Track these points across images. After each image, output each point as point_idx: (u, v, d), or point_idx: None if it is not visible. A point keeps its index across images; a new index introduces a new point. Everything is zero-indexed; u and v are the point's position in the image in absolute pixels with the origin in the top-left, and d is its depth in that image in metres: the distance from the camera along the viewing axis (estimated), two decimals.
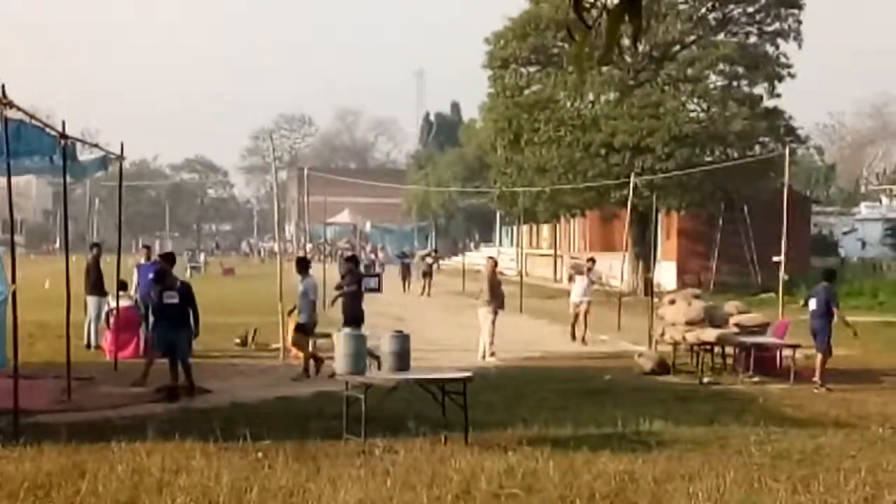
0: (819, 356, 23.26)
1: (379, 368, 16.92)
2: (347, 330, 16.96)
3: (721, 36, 54.96)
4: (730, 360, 25.53)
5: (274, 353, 26.88)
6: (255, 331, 29.31)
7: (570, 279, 34.78)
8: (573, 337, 32.11)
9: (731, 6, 54.94)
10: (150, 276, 23.44)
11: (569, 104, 54.27)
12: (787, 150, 37.35)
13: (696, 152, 51.03)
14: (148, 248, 33.89)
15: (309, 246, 67.95)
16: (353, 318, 23.94)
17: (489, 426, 16.29)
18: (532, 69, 57.01)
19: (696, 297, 26.96)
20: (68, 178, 18.98)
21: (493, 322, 27.61)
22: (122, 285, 26.37)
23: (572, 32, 3.88)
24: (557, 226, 74.50)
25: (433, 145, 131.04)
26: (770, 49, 54.62)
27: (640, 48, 54.35)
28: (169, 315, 20.37)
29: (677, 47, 54.92)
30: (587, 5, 3.82)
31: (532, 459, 13.47)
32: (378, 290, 28.54)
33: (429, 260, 61.22)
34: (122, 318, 25.13)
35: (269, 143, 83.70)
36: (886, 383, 23.56)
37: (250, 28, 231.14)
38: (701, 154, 51.71)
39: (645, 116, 50.42)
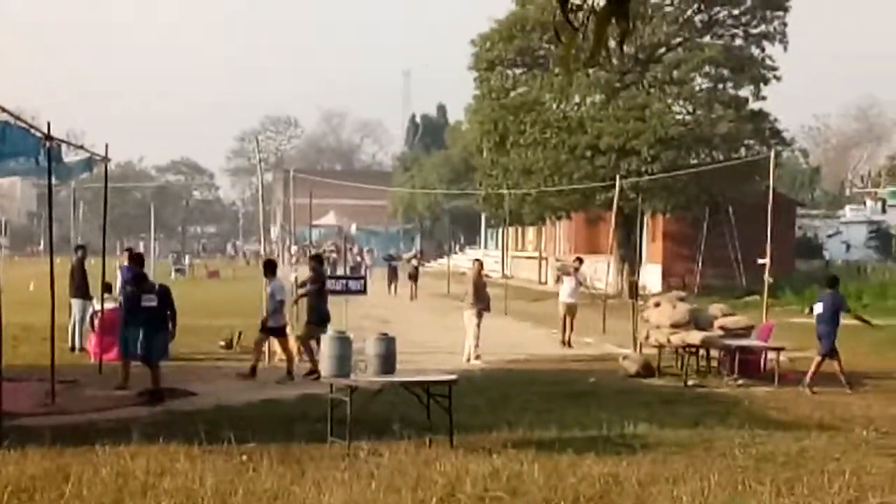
0: (817, 358, 23.32)
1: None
2: (330, 332, 16.91)
3: (707, 38, 55.12)
4: (714, 363, 25.56)
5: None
6: (239, 333, 29.23)
7: (558, 280, 34.73)
8: (563, 341, 31.91)
9: (717, 9, 55.09)
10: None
11: (555, 106, 54.34)
12: (772, 153, 37.39)
13: (681, 155, 51.15)
14: (131, 250, 33.82)
15: (294, 248, 67.81)
16: (319, 317, 23.96)
17: (474, 429, 16.27)
18: (518, 71, 57.11)
19: (681, 299, 26.95)
20: (53, 180, 18.90)
21: (479, 324, 27.60)
22: (107, 287, 26.32)
23: (559, 34, 3.87)
24: (543, 228, 74.57)
25: (419, 147, 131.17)
26: (756, 51, 54.82)
27: (627, 50, 54.47)
28: (146, 318, 20.27)
29: (663, 49, 55.07)
30: (574, 7, 3.81)
31: (517, 462, 13.46)
32: (363, 292, 28.35)
33: (414, 262, 61.20)
34: (107, 320, 25.02)
35: (255, 145, 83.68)
36: (870, 386, 23.59)
37: (237, 30, 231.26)
38: (686, 156, 51.85)
39: (630, 119, 50.52)
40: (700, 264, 56.14)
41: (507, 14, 56.27)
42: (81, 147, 23.45)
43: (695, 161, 52.04)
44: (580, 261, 34.73)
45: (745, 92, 53.97)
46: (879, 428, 17.70)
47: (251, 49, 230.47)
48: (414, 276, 57.16)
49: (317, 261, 26.47)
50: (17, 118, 16.54)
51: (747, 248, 49.35)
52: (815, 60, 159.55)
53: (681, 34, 54.86)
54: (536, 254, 76.65)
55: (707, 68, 53.73)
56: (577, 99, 54.62)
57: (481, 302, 28.05)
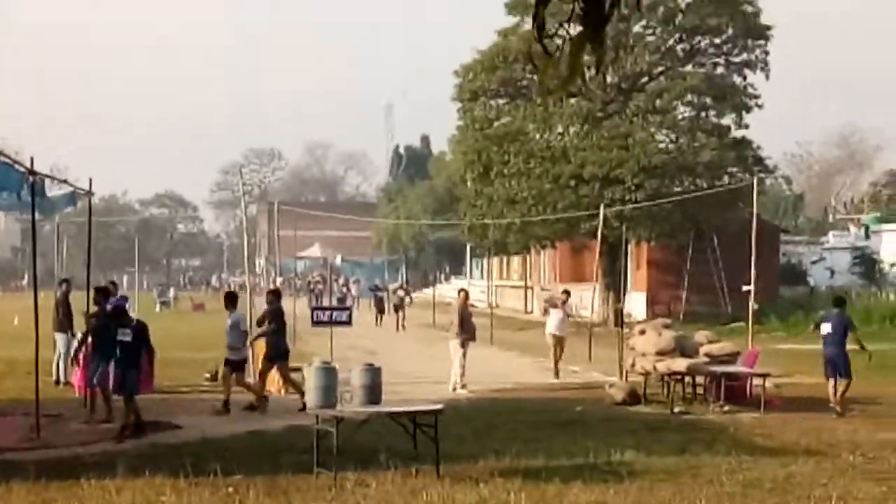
0: (843, 382, 23.51)
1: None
2: (316, 362, 16.90)
3: (689, 67, 55.26)
4: (700, 390, 25.57)
5: (244, 389, 26.75)
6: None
7: (545, 312, 34.58)
8: (556, 373, 31.64)
9: (699, 38, 55.28)
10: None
11: (538, 136, 54.43)
12: (755, 180, 37.56)
13: (665, 183, 51.28)
14: (114, 283, 33.74)
15: (279, 280, 67.71)
16: (277, 351, 23.91)
17: (460, 458, 16.26)
18: (501, 101, 57.19)
19: (667, 327, 27.00)
20: (37, 215, 18.91)
21: (464, 354, 27.62)
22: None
23: (534, 60, 3.90)
24: (528, 257, 74.52)
25: (403, 178, 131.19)
26: (738, 80, 54.97)
27: (609, 80, 54.67)
28: (121, 352, 20.14)
29: (645, 79, 55.26)
30: (550, 34, 3.84)
31: (504, 491, 13.46)
32: (348, 323, 28.36)
33: (400, 293, 61.14)
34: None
35: (239, 178, 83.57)
36: (856, 411, 23.62)
37: (220, 63, 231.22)
38: (670, 185, 51.97)
39: (614, 148, 50.64)
40: (685, 291, 56.20)
41: (489, 45, 56.42)
42: (65, 181, 23.49)
43: (678, 189, 52.13)
44: (568, 293, 34.65)
45: (727, 120, 54.17)
46: (866, 453, 17.74)
47: (233, 82, 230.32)
48: (400, 307, 57.09)
49: (274, 295, 26.26)
50: (0, 153, 16.55)
51: (732, 274, 49.40)
52: (797, 88, 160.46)
53: (663, 63, 55.05)
54: (522, 283, 76.64)
55: (689, 97, 53.92)
56: (560, 128, 54.72)
57: (467, 332, 28.07)
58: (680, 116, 54.38)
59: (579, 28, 3.79)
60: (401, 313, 56.45)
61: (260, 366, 24.67)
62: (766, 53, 54.78)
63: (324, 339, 27.04)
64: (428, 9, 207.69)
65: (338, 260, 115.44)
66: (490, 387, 28.28)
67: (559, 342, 31.96)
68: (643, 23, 55.08)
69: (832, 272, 75.77)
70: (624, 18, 51.78)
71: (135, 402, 19.91)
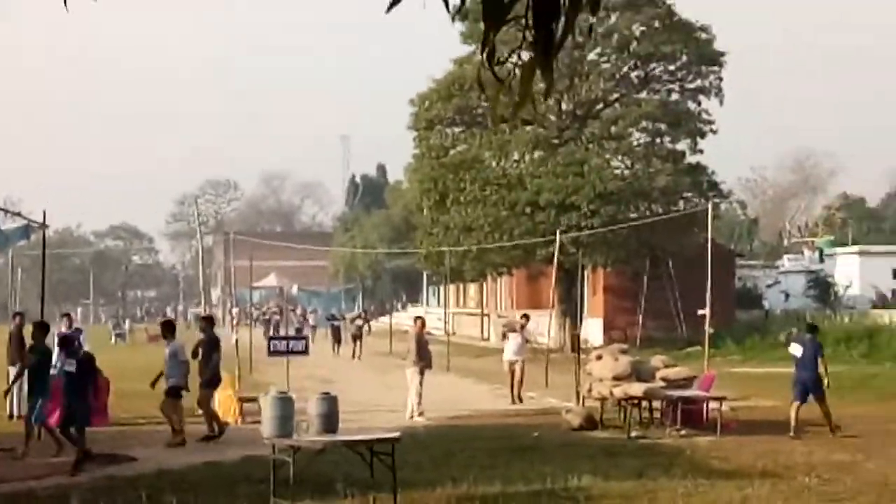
0: (820, 406, 23.84)
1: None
2: (273, 392, 16.83)
3: (644, 94, 55.59)
4: (657, 414, 25.62)
5: (200, 419, 26.61)
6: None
7: (504, 337, 34.47)
8: (513, 399, 31.59)
9: (653, 64, 55.62)
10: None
11: (494, 164, 54.57)
12: (710, 205, 37.82)
13: (620, 209, 51.48)
14: (69, 315, 33.57)
15: (235, 310, 67.46)
16: (210, 381, 23.76)
17: (418, 486, 16.23)
18: (457, 130, 57.26)
19: (623, 352, 27.05)
20: None
21: (421, 382, 27.58)
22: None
23: (485, 87, 3.93)
24: (484, 284, 74.67)
25: (359, 207, 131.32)
26: (692, 106, 55.34)
27: (564, 107, 54.97)
28: (68, 384, 19.93)
29: (601, 105, 55.54)
30: (500, 60, 3.87)
31: None
32: (305, 352, 28.30)
33: (358, 322, 61.00)
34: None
35: (195, 209, 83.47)
36: (811, 433, 23.73)
37: (173, 91, 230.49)
38: (626, 210, 52.18)
39: (570, 174, 50.82)
40: (641, 317, 56.37)
41: (444, 73, 56.56)
42: (18, 214, 23.43)
43: (634, 215, 52.39)
44: (527, 318, 34.62)
45: (682, 146, 54.53)
46: (821, 475, 17.84)
47: (189, 113, 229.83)
48: (358, 337, 56.94)
49: (207, 322, 26.07)
50: None
51: (688, 299, 49.62)
52: (751, 113, 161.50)
53: (618, 90, 55.37)
54: (478, 310, 76.71)
55: (644, 123, 54.23)
56: (516, 156, 54.87)
57: (423, 359, 28.05)
58: (635, 143, 54.67)
59: (530, 55, 3.81)
60: (358, 342, 56.29)
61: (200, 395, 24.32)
62: (720, 79, 55.21)
63: (280, 369, 26.96)
64: (383, 38, 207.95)
65: (294, 289, 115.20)
66: (447, 414, 28.26)
67: (518, 367, 31.90)
68: (598, 50, 55.43)
69: (787, 296, 76.33)
70: (579, 46, 52.06)
71: (83, 434, 19.65)
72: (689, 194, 54.06)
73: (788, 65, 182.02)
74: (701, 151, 54.47)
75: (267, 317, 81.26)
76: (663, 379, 25.22)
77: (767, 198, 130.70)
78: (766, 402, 30.31)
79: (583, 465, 18.50)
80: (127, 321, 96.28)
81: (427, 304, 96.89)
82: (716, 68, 55.31)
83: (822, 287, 74.33)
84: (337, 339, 60.20)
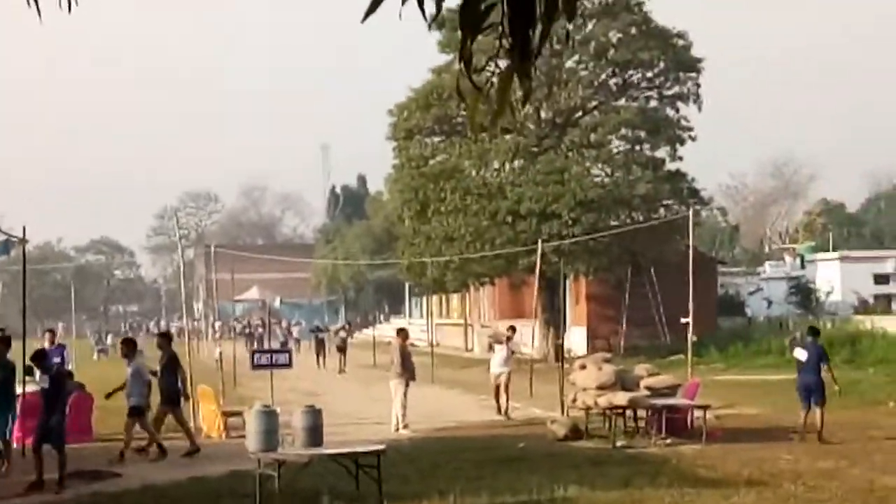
0: (818, 410, 23.79)
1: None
2: (257, 406, 16.75)
3: (622, 101, 55.62)
4: (642, 423, 25.60)
5: (180, 434, 26.51)
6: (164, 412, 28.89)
7: (490, 348, 34.27)
8: (498, 410, 31.46)
9: (631, 71, 55.65)
10: (56, 359, 23.06)
11: (474, 173, 54.50)
12: (690, 212, 37.75)
13: (601, 217, 51.47)
14: (52, 331, 33.45)
15: (218, 324, 67.40)
16: (169, 397, 23.60)
17: (404, 498, 16.18)
18: (436, 139, 57.22)
19: (607, 361, 27.02)
20: None
21: (405, 393, 27.52)
22: (29, 370, 25.90)
23: (463, 95, 3.89)
24: (467, 295, 74.65)
25: (340, 218, 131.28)
26: (671, 112, 55.36)
27: (543, 115, 54.98)
28: (42, 400, 19.75)
29: (580, 113, 55.55)
30: (478, 68, 3.83)
31: None
32: (288, 365, 28.21)
33: (342, 334, 60.92)
34: (30, 403, 24.61)
35: (175, 222, 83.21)
36: (796, 440, 23.72)
37: (152, 104, 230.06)
38: (607, 218, 52.17)
39: (550, 183, 50.81)
40: (624, 325, 56.37)
41: (423, 83, 56.53)
42: None
43: (615, 223, 52.39)
44: (513, 329, 34.44)
45: (661, 153, 54.53)
46: (807, 482, 17.85)
47: (168, 125, 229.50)
48: (342, 349, 56.86)
49: (164, 338, 25.90)
50: None
51: (670, 307, 49.65)
52: (730, 119, 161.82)
53: (596, 98, 55.38)
54: (462, 321, 76.70)
55: (623, 130, 54.28)
56: (496, 165, 54.86)
57: (407, 371, 27.98)
58: (615, 150, 54.70)
59: (507, 63, 3.78)
60: (343, 355, 56.19)
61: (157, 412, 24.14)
62: (698, 86, 55.27)
63: (264, 383, 26.88)
64: (361, 48, 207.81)
65: (277, 302, 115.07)
66: (432, 426, 28.21)
67: (504, 378, 31.68)
68: (576, 58, 55.44)
69: (769, 302, 76.42)
70: (556, 54, 52.14)
71: (63, 451, 19.42)
72: (670, 201, 54.10)
73: (765, 71, 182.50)
74: (680, 158, 54.49)
75: (249, 330, 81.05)
76: (647, 388, 25.19)
77: (748, 204, 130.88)
78: (751, 410, 30.36)
79: (569, 475, 18.46)
80: (109, 336, 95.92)
81: (410, 315, 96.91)
82: (693, 75, 55.38)
83: (803, 293, 74.46)
84: (321, 352, 60.11)
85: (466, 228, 52.30)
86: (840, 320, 59.48)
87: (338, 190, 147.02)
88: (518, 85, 3.78)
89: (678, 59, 54.91)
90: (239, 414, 24.71)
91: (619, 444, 23.44)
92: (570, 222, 50.20)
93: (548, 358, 49.30)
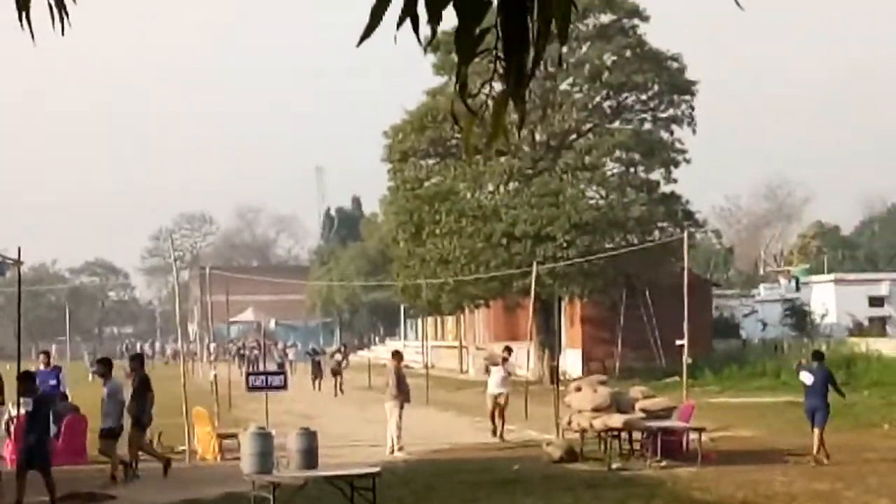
0: (817, 431, 23.91)
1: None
2: (252, 428, 16.75)
3: (616, 123, 55.72)
4: (637, 446, 25.59)
5: (179, 456, 26.50)
6: (159, 434, 28.88)
7: (486, 371, 34.20)
8: (494, 432, 31.21)
9: (626, 94, 55.75)
10: (52, 381, 23.04)
11: (469, 195, 54.53)
12: (685, 235, 37.79)
13: (596, 239, 51.47)
14: (47, 353, 33.38)
15: (213, 345, 67.11)
16: (139, 420, 23.50)
17: None
18: (431, 161, 57.25)
19: (602, 383, 27.02)
20: None
21: (400, 415, 27.50)
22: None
23: (457, 119, 3.91)
24: (462, 317, 74.60)
25: (335, 240, 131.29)
26: (665, 135, 55.41)
27: (538, 137, 55.02)
28: (25, 423, 19.66)
29: (574, 136, 55.59)
30: (472, 93, 3.85)
31: None
32: (283, 387, 28.18)
33: (338, 357, 60.81)
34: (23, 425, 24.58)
35: (170, 244, 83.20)
36: (791, 462, 23.74)
37: (146, 124, 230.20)
38: (601, 241, 52.15)
39: (545, 205, 50.83)
40: (619, 347, 56.37)
41: (418, 105, 56.61)
42: None
43: (610, 245, 52.37)
44: (509, 351, 34.41)
45: (656, 175, 54.59)
46: None
47: (162, 146, 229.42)
48: (338, 372, 56.75)
49: (137, 361, 25.76)
50: None
51: (665, 329, 49.66)
52: (724, 142, 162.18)
53: (591, 120, 55.45)
54: (456, 343, 76.66)
55: (618, 153, 54.34)
56: (490, 187, 54.92)
57: (402, 393, 27.96)
58: (609, 172, 54.75)
59: (502, 86, 3.80)
60: (338, 378, 56.09)
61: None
62: (692, 108, 55.38)
63: (259, 405, 26.86)
64: (356, 70, 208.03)
65: (272, 324, 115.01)
66: (428, 448, 28.20)
67: (500, 402, 31.61)
68: (570, 80, 55.52)
69: (764, 324, 76.45)
70: (551, 76, 52.27)
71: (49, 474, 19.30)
72: (664, 224, 54.12)
73: (759, 94, 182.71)
74: (675, 181, 54.56)
75: (243, 352, 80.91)
76: (643, 410, 25.19)
77: (742, 227, 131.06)
78: (746, 432, 30.35)
79: (564, 497, 18.46)
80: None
81: (405, 337, 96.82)
82: (687, 97, 55.49)
83: (798, 315, 74.53)
84: (318, 374, 60.03)
85: (461, 251, 52.29)
86: (835, 343, 59.46)
87: (332, 212, 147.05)
88: (513, 109, 3.80)
89: (672, 81, 55.01)
90: (234, 436, 24.69)
91: (614, 466, 23.43)
92: (564, 244, 50.21)
93: (543, 380, 49.29)
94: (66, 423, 25.87)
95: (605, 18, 55.10)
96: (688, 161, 54.68)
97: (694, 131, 55.36)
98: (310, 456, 15.75)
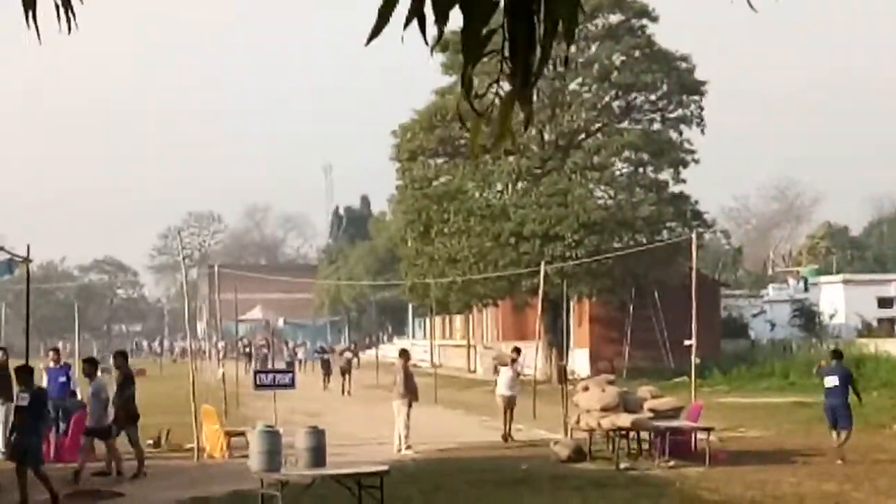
0: (843, 434, 23.99)
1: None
2: (261, 426, 16.76)
3: (625, 123, 55.69)
4: (645, 445, 25.57)
5: (187, 454, 26.53)
6: (167, 431, 28.95)
7: (495, 371, 34.15)
8: (505, 438, 30.73)
9: (635, 94, 55.72)
10: (62, 378, 23.04)
11: (477, 194, 54.54)
12: (694, 235, 37.75)
13: (604, 239, 51.48)
14: (56, 350, 33.40)
15: (222, 344, 67.35)
16: (129, 417, 23.48)
17: None
18: (440, 160, 57.28)
19: (610, 382, 27.00)
20: None
21: (408, 414, 27.49)
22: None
23: (464, 120, 3.91)
24: (470, 316, 74.54)
25: (343, 239, 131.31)
26: (674, 135, 55.39)
27: (546, 137, 55.00)
28: (18, 419, 19.62)
29: (583, 135, 55.59)
30: (479, 94, 3.86)
31: None
32: (291, 385, 28.18)
33: (347, 355, 60.70)
34: None
35: (179, 242, 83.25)
36: (799, 463, 23.71)
37: (157, 124, 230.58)
38: (610, 240, 52.17)
39: (553, 205, 50.83)
40: (628, 347, 56.34)
41: (426, 104, 56.61)
42: (2, 249, 23.34)
43: (618, 245, 52.39)
44: (518, 351, 34.33)
45: (664, 175, 54.57)
46: None
47: (172, 145, 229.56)
48: (347, 370, 56.56)
49: (121, 357, 25.75)
50: None
51: (674, 329, 49.61)
52: (733, 142, 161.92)
53: (599, 120, 55.44)
54: (465, 342, 76.61)
55: (627, 153, 54.33)
56: (499, 186, 54.92)
57: (410, 392, 27.96)
58: (618, 172, 54.76)
59: (508, 87, 3.80)
60: (347, 376, 55.89)
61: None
62: (701, 109, 55.36)
63: (267, 403, 26.87)
64: (365, 69, 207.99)
65: (280, 322, 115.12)
66: (435, 447, 28.18)
67: (510, 402, 31.44)
68: (579, 80, 55.52)
69: (773, 325, 76.35)
70: (560, 76, 52.27)
71: (38, 473, 19.18)
72: (673, 224, 54.08)
73: (768, 94, 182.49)
74: (684, 181, 54.56)
75: (248, 350, 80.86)
76: (651, 409, 25.17)
77: (751, 227, 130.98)
78: (754, 432, 30.30)
79: (572, 497, 18.46)
80: (110, 356, 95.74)
81: (413, 335, 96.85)
82: (696, 97, 55.47)
83: (807, 316, 74.44)
84: (327, 373, 59.98)
85: (469, 250, 52.31)
86: (843, 343, 59.33)
87: (341, 211, 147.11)
88: (519, 109, 3.80)
89: (681, 82, 54.99)
90: (242, 434, 24.70)
91: (622, 466, 23.41)
92: (573, 244, 50.21)
93: (551, 379, 49.20)
94: (74, 420, 25.92)
95: (615, 18, 55.12)
96: (696, 161, 54.68)
97: (703, 131, 55.40)
98: (318, 454, 15.76)
